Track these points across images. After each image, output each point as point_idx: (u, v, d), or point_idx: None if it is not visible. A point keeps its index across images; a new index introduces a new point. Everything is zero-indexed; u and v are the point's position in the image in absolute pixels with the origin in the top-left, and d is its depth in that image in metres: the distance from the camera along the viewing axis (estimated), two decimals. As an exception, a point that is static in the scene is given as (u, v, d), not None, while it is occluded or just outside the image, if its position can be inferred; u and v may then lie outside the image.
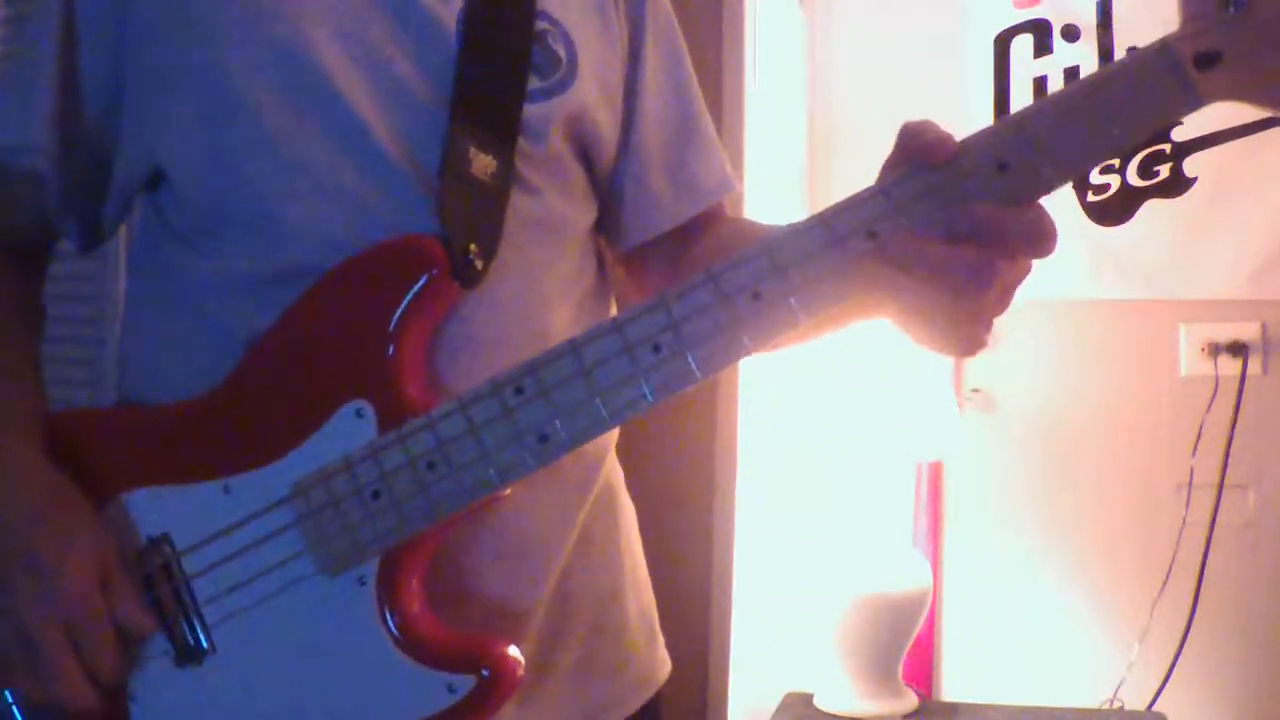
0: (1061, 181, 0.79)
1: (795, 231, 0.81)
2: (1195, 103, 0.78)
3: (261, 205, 0.92)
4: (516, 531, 0.95)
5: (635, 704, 1.07)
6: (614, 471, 1.09)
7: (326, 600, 0.88)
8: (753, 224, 1.16)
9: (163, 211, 0.99)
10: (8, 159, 1.00)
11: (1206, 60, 0.77)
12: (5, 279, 1.03)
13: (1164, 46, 0.77)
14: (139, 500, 0.92)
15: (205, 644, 0.90)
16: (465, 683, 0.87)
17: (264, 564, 0.89)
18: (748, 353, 0.83)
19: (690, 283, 0.82)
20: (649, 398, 0.83)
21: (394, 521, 0.87)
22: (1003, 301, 0.80)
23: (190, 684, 0.90)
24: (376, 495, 0.86)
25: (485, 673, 0.87)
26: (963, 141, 0.79)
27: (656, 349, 0.82)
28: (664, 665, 1.12)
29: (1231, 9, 0.76)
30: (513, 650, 0.89)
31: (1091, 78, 0.79)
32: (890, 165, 0.81)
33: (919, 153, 0.79)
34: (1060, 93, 0.79)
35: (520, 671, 0.89)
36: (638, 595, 1.09)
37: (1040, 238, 0.77)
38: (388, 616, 0.88)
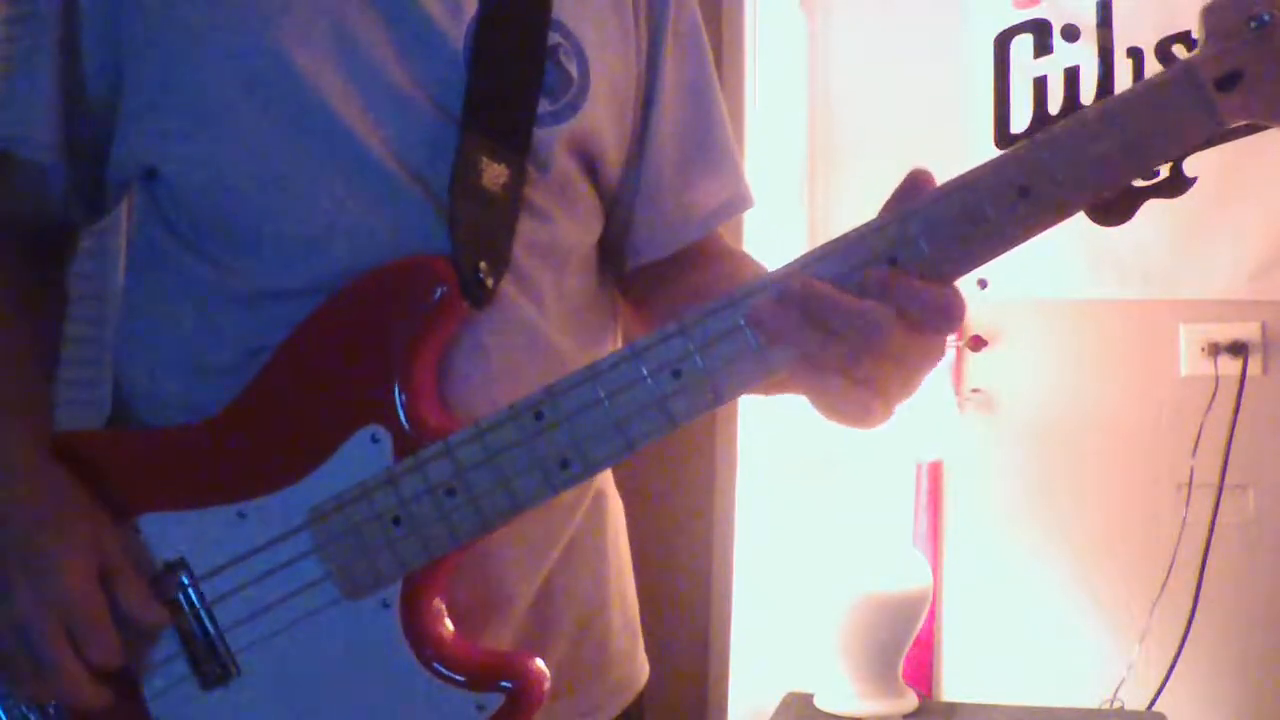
0: (1079, 207, 0.78)
1: (809, 261, 0.80)
2: (1217, 125, 0.76)
3: (260, 223, 0.92)
4: (497, 545, 0.93)
5: (617, 708, 1.06)
6: (603, 477, 1.07)
7: (350, 624, 0.88)
8: (750, 263, 1.11)
9: (162, 207, 0.99)
10: (14, 151, 1.00)
11: (1228, 81, 0.75)
12: (8, 268, 1.03)
13: (1188, 69, 0.76)
14: (153, 525, 0.91)
15: (231, 668, 0.90)
16: (494, 700, 0.86)
17: (286, 590, 0.88)
18: (769, 376, 0.81)
19: (710, 306, 0.81)
20: (670, 424, 0.82)
21: (415, 547, 0.86)
22: (904, 380, 0.78)
23: (218, 708, 0.90)
24: (397, 522, 0.86)
25: (511, 686, 0.87)
26: (981, 166, 0.78)
27: (677, 375, 0.81)
28: (643, 669, 1.11)
29: (1254, 25, 0.75)
30: (538, 664, 0.89)
31: (1112, 101, 0.77)
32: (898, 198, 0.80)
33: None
34: (1078, 115, 0.78)
35: (547, 685, 0.88)
36: (622, 599, 1.08)
37: (941, 308, 0.76)
38: (413, 638, 0.87)
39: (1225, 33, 0.76)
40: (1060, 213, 0.77)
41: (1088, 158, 0.76)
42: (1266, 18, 0.75)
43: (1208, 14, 0.77)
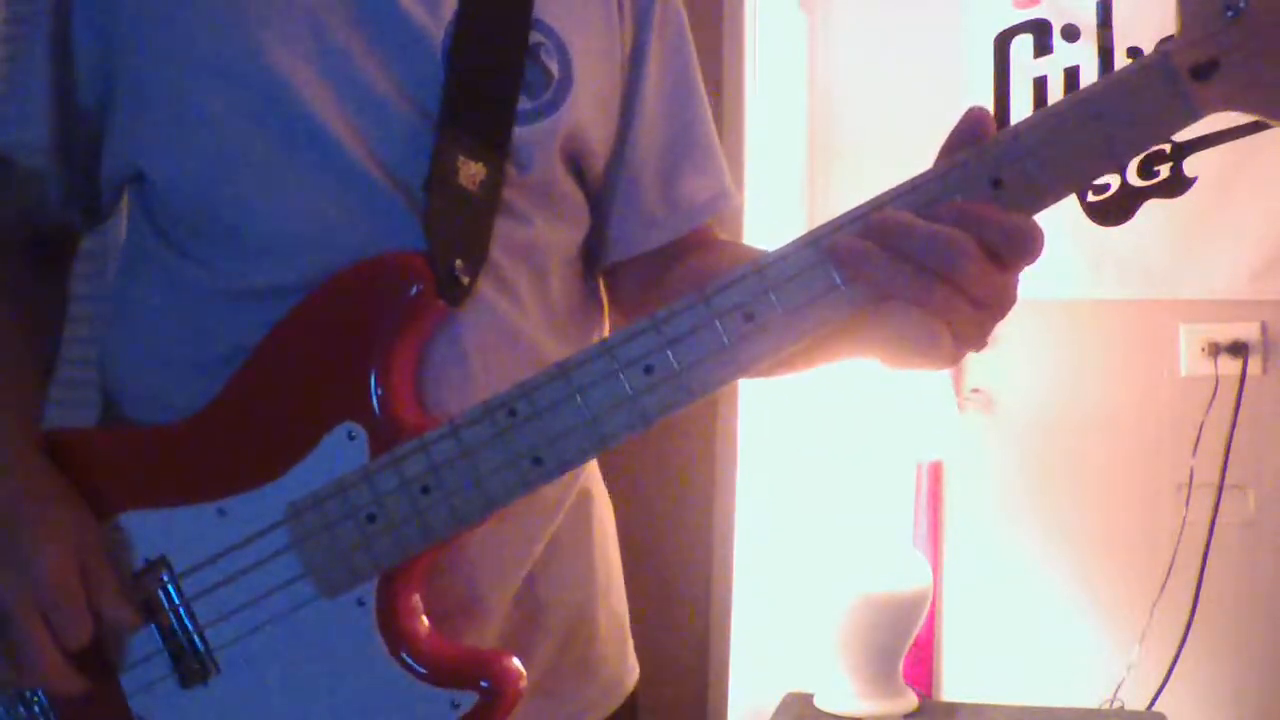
0: (1056, 198, 0.77)
1: (785, 252, 0.79)
2: (1191, 116, 0.76)
3: (239, 223, 0.92)
4: (477, 544, 0.93)
5: (605, 710, 1.05)
6: (590, 478, 1.07)
7: (327, 622, 0.88)
8: (744, 248, 1.12)
9: (149, 208, 0.99)
10: (10, 155, 1.01)
11: (1203, 70, 0.75)
12: (5, 268, 1.03)
13: (1162, 57, 0.75)
14: (134, 522, 0.91)
15: (210, 665, 0.90)
16: (468, 698, 0.86)
17: (264, 587, 0.89)
18: (742, 374, 0.81)
19: (682, 303, 0.80)
20: (643, 420, 0.82)
21: (390, 545, 0.86)
22: (978, 323, 0.76)
23: (197, 706, 0.90)
24: (372, 519, 0.86)
25: (486, 684, 0.87)
26: (954, 158, 0.77)
27: (648, 370, 0.81)
28: (633, 671, 1.10)
29: (1229, 14, 0.74)
30: (514, 662, 0.89)
31: (1087, 90, 0.76)
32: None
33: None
34: (1054, 106, 0.77)
35: (523, 683, 0.88)
36: (609, 602, 1.07)
37: (1022, 236, 0.74)
38: (388, 636, 0.87)
39: (1201, 21, 0.75)
40: (1034, 207, 0.77)
41: (1064, 149, 0.75)
42: (1242, 5, 0.74)
43: (1184, 2, 0.76)
